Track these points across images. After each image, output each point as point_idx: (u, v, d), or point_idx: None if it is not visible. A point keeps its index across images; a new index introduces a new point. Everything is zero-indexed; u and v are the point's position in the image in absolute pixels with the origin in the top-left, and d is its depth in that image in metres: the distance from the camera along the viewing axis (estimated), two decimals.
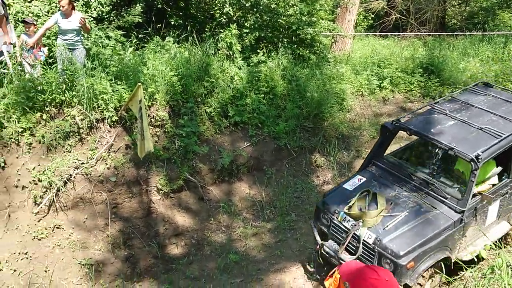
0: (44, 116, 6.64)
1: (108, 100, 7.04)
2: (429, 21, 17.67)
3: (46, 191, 6.38)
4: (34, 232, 6.19)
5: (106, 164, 6.89)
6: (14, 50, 7.38)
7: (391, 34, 16.06)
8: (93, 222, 6.65)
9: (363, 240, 5.62)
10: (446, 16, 19.86)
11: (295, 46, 10.58)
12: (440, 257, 5.58)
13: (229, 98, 8.40)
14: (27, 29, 7.56)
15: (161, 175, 7.26)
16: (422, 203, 5.86)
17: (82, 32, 7.59)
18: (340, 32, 11.96)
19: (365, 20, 18.49)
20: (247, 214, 7.76)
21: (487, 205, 5.93)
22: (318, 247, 6.11)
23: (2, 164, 6.26)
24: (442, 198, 5.84)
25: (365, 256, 5.64)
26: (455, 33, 15.81)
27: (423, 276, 5.62)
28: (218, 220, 7.53)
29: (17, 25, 8.13)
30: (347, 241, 5.75)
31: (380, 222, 5.67)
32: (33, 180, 6.37)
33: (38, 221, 6.30)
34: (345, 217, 5.87)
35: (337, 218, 5.94)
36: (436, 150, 6.35)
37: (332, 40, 12.68)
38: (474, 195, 5.79)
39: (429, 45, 14.07)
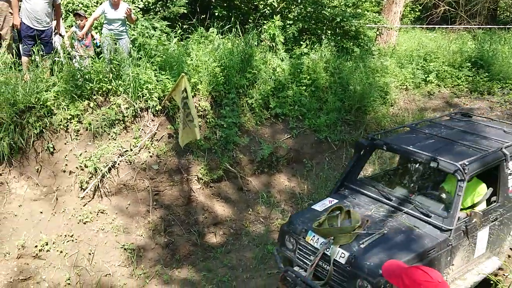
0: (91, 104, 6.85)
1: (152, 90, 7.19)
2: (480, 13, 17.09)
3: (92, 176, 6.60)
4: (80, 216, 6.42)
5: (149, 152, 7.05)
6: (63, 41, 7.65)
7: (439, 27, 15.62)
8: (136, 208, 6.83)
9: (334, 259, 4.80)
10: (498, 9, 19.11)
11: (339, 38, 10.48)
12: None
13: (270, 90, 8.41)
14: (78, 22, 7.80)
15: (201, 164, 7.37)
16: (402, 222, 5.11)
17: (127, 22, 7.76)
18: (386, 24, 11.75)
19: (412, 12, 18.04)
20: (285, 206, 7.78)
21: (475, 230, 5.18)
22: (281, 274, 5.24)
23: (51, 150, 6.51)
24: (425, 217, 5.10)
25: (336, 280, 4.81)
26: (507, 26, 15.18)
27: None
28: (257, 211, 7.59)
29: (67, 15, 8.40)
30: (316, 262, 4.92)
31: (355, 240, 4.87)
32: (79, 166, 6.59)
33: (84, 206, 6.53)
34: (314, 236, 5.06)
35: (304, 238, 5.14)
36: (417, 166, 5.94)
37: (377, 33, 12.47)
38: (460, 218, 5.06)
39: (478, 38, 13.61)
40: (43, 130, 6.48)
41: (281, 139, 8.25)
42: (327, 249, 4.87)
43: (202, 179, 7.33)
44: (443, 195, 5.57)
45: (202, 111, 7.61)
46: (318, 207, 5.53)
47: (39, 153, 6.48)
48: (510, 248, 5.84)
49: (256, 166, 7.90)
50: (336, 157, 8.63)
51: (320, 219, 5.13)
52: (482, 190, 5.51)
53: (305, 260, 5.13)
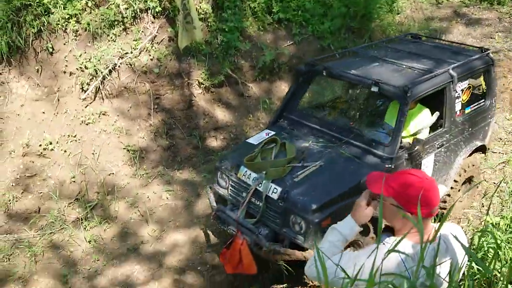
0: (89, 4, 6.64)
1: None
2: None
3: (92, 78, 6.58)
4: (82, 117, 6.49)
5: (150, 55, 6.97)
6: None
7: None
8: (137, 111, 6.89)
9: (266, 195, 4.51)
10: None
11: None
12: None
13: None
14: None
15: (202, 69, 7.31)
16: (342, 153, 4.79)
17: None
18: None
19: None
20: None
21: (420, 158, 4.80)
22: (213, 214, 5.08)
23: (50, 50, 6.43)
24: (366, 146, 4.77)
25: (269, 217, 4.58)
26: None
27: None
28: (257, 117, 7.65)
29: None
30: (247, 200, 4.64)
31: (289, 174, 4.57)
32: (80, 67, 6.55)
33: (85, 107, 6.58)
34: (246, 171, 4.74)
35: (236, 174, 4.85)
36: (359, 92, 5.64)
37: None
38: (403, 147, 4.73)
39: None
40: (41, 29, 6.34)
41: (284, 45, 8.10)
42: (259, 185, 4.57)
43: (203, 84, 7.31)
44: (386, 122, 5.32)
45: (203, 14, 7.39)
46: (253, 140, 5.21)
47: (38, 53, 6.41)
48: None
49: (257, 72, 7.84)
50: None
51: (253, 153, 4.85)
52: (425, 116, 5.16)
53: (238, 198, 4.86)
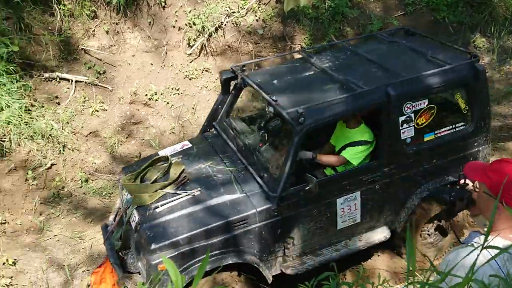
0: None
1: None
2: None
3: (199, 35, 6.75)
4: (186, 71, 6.71)
5: (256, 16, 6.98)
6: None
7: None
8: None
9: (128, 222, 4.03)
10: None
11: None
12: (227, 262, 3.72)
13: None
14: None
15: (306, 34, 7.20)
16: (229, 181, 4.06)
17: None
18: None
19: None
20: None
21: (332, 197, 4.06)
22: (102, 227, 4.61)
23: (163, 4, 6.67)
24: (258, 178, 4.01)
25: (134, 246, 4.02)
26: None
27: None
28: None
29: None
30: (115, 223, 4.27)
31: (158, 201, 3.96)
32: (188, 23, 6.74)
33: (190, 62, 6.79)
34: (124, 191, 4.28)
35: (122, 191, 4.39)
36: (269, 109, 4.38)
37: None
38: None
39: None
40: None
41: (394, 15, 7.71)
42: (129, 209, 4.05)
43: (305, 49, 7.20)
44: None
45: None
46: (164, 152, 4.61)
47: (151, 6, 6.67)
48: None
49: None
50: (452, 41, 7.97)
51: (135, 171, 4.29)
52: (362, 139, 4.22)
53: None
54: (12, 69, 5.81)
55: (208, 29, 6.72)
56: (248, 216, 3.77)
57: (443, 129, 4.34)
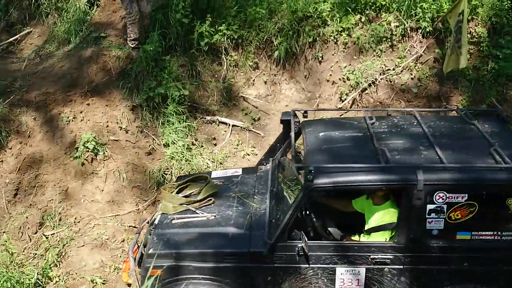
0: (363, 19, 6.95)
1: (427, 9, 6.84)
2: None
3: (352, 89, 6.88)
4: None
5: (411, 74, 6.92)
6: None
7: None
8: None
9: (151, 222, 4.57)
10: None
11: None
12: None
13: None
14: None
15: (464, 95, 6.91)
16: (244, 216, 4.27)
17: None
18: None
19: None
20: None
21: (330, 263, 3.92)
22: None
23: (320, 59, 6.97)
24: (269, 220, 4.17)
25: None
26: None
27: None
28: None
29: None
30: (147, 222, 4.83)
31: (179, 214, 4.42)
32: (342, 78, 6.93)
33: (340, 115, 6.86)
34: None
35: None
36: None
37: None
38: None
39: None
40: (316, 39, 6.92)
41: None
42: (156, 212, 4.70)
43: (462, 111, 6.89)
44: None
45: (476, 38, 6.96)
46: (216, 174, 5.14)
47: (308, 60, 7.02)
48: None
49: None
50: None
51: (179, 182, 4.87)
52: (385, 217, 4.00)
53: None
54: (181, 110, 6.54)
55: (362, 85, 6.83)
56: (239, 252, 3.98)
57: (484, 233, 3.80)
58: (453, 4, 6.48)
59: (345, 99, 6.90)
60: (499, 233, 3.77)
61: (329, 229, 4.18)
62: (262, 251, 3.93)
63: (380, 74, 6.90)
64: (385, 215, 3.98)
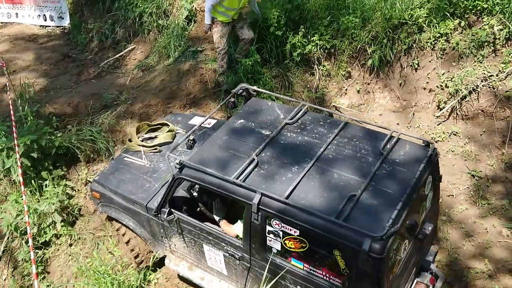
0: (462, 23, 6.63)
1: None
2: None
3: (451, 97, 6.58)
4: (433, 133, 6.60)
5: None
6: None
7: None
8: (490, 137, 6.53)
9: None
10: None
11: None
12: (127, 224, 5.14)
13: None
14: None
15: None
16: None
17: None
18: None
19: None
20: None
21: (200, 240, 4.55)
22: None
23: (416, 66, 6.76)
24: None
25: None
26: None
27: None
28: None
29: None
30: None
31: (133, 153, 5.41)
32: (440, 85, 6.65)
33: (438, 125, 6.66)
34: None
35: None
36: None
37: None
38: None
39: None
40: (411, 46, 6.73)
41: None
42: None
43: None
44: None
45: None
46: (195, 120, 5.70)
47: (404, 68, 6.83)
48: None
49: None
50: None
51: (152, 124, 5.74)
52: None
53: None
54: None
55: (462, 92, 6.51)
56: (139, 203, 4.81)
57: (314, 269, 3.86)
58: None
59: (443, 107, 6.61)
60: (327, 275, 3.80)
61: (201, 209, 4.70)
62: (153, 208, 4.63)
63: (482, 81, 6.53)
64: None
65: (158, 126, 5.62)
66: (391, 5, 6.76)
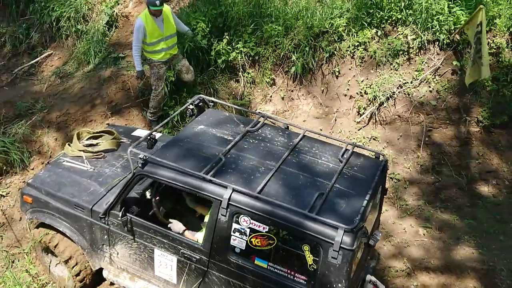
0: (379, 33, 6.95)
1: (443, 22, 6.82)
2: None
3: (370, 104, 6.86)
4: (354, 139, 6.82)
5: (429, 87, 6.87)
6: None
7: None
8: (406, 141, 6.87)
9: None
10: None
11: None
12: (62, 230, 4.73)
13: None
14: None
15: (484, 106, 6.83)
16: (118, 176, 4.79)
17: None
18: None
19: None
20: None
21: (151, 244, 4.33)
22: None
23: (337, 74, 6.97)
24: None
25: None
26: None
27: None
28: None
29: None
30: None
31: (73, 158, 5.10)
32: (360, 92, 6.91)
33: (358, 130, 6.90)
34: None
35: None
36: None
37: None
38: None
39: None
40: (332, 54, 6.94)
41: None
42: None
43: (482, 123, 6.82)
44: None
45: (495, 49, 6.90)
46: (139, 132, 5.58)
47: (325, 75, 7.03)
48: None
49: None
50: None
51: (94, 131, 5.45)
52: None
53: None
54: None
55: (379, 99, 6.80)
56: (83, 206, 4.51)
57: (279, 267, 3.85)
58: (470, 16, 6.46)
59: (363, 113, 6.87)
60: (292, 272, 3.82)
61: (170, 220, 4.46)
62: (100, 211, 4.40)
63: (398, 88, 6.87)
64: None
65: (100, 134, 5.39)
66: (312, 14, 6.94)
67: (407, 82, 6.88)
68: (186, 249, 4.16)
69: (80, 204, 4.54)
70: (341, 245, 3.49)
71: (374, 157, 4.57)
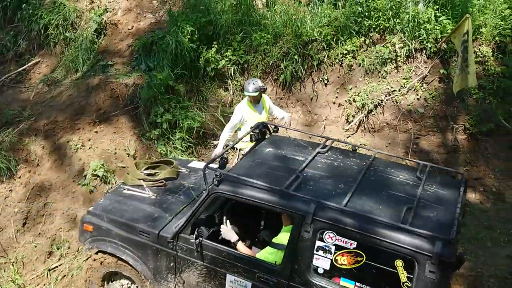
0: (367, 41, 7.01)
1: (430, 31, 6.91)
2: None
3: (358, 111, 6.90)
4: (342, 146, 6.84)
5: (417, 94, 6.94)
6: None
7: None
8: (395, 148, 6.91)
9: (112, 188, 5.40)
10: None
11: None
12: (124, 258, 4.40)
13: None
14: None
15: (471, 114, 6.90)
16: (183, 203, 4.59)
17: None
18: None
19: None
20: None
21: (223, 268, 4.04)
22: None
23: (325, 81, 7.03)
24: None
25: None
26: None
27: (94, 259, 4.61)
28: None
29: None
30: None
31: (133, 186, 4.94)
32: (348, 100, 6.95)
33: (347, 137, 6.94)
34: None
35: None
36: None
37: None
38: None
39: None
40: (321, 62, 6.98)
41: None
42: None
43: (469, 130, 6.89)
44: None
45: (481, 57, 6.99)
46: (194, 164, 5.51)
47: (315, 83, 7.06)
48: None
49: None
50: None
51: (151, 161, 5.44)
52: (283, 236, 3.95)
53: None
54: (187, 137, 6.56)
55: (368, 106, 6.85)
56: (149, 232, 4.26)
57: (368, 286, 3.55)
58: (456, 25, 6.55)
59: (352, 121, 6.91)
60: None
61: (222, 226, 4.21)
62: (168, 236, 4.17)
63: (386, 96, 6.92)
64: (284, 236, 3.89)
65: (158, 164, 5.33)
66: (301, 22, 6.98)
67: (395, 90, 6.95)
68: (262, 273, 3.86)
69: (146, 230, 4.30)
70: (441, 258, 3.23)
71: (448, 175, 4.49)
